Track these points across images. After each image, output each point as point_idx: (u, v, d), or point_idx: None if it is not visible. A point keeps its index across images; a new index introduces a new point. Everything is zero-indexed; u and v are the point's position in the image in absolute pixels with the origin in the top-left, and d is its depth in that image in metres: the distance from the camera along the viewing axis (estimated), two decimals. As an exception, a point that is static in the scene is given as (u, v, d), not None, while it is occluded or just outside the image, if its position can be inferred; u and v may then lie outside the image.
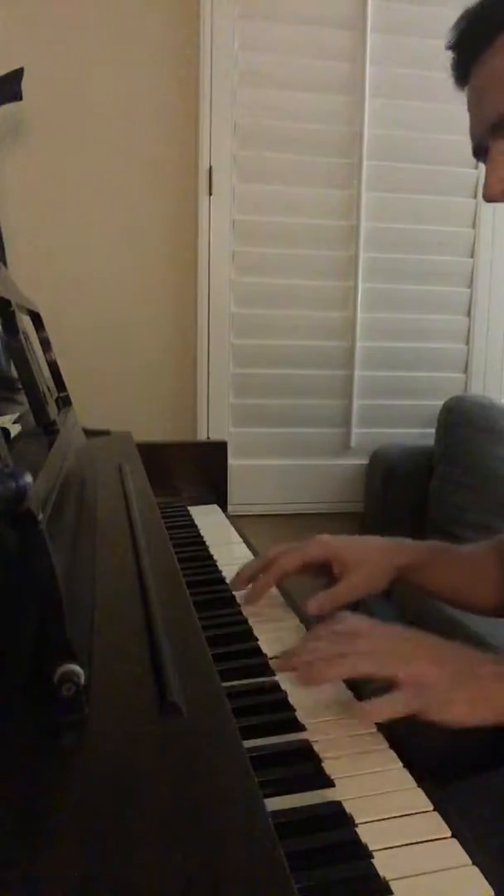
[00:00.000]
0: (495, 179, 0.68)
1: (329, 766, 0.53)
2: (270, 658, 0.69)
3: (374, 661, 0.58)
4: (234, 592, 0.86)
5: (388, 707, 0.56)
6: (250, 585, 0.85)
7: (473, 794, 0.64)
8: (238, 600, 0.84)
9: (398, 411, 1.94)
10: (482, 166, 0.73)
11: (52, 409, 0.88)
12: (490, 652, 0.63)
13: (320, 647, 0.61)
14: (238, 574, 0.87)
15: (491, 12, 0.67)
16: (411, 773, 0.53)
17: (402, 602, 1.66)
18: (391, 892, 0.42)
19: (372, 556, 0.85)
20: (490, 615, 0.92)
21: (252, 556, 0.99)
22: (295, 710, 0.60)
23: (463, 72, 0.71)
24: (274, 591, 0.86)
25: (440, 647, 0.61)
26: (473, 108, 0.71)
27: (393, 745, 0.56)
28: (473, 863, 0.44)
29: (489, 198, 0.70)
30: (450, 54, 0.72)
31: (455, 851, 0.45)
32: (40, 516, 0.39)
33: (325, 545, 0.84)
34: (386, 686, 0.58)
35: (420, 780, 0.52)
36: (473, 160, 0.75)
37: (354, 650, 0.59)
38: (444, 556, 0.89)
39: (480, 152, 0.72)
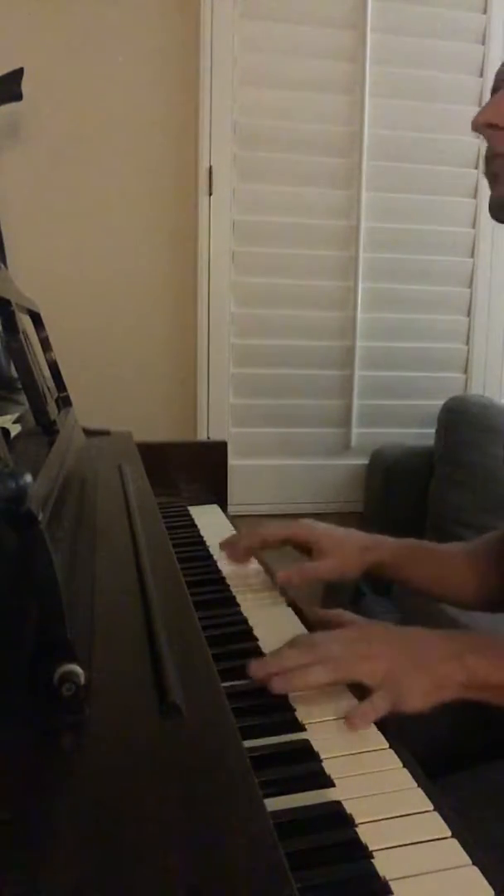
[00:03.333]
0: (487, 112, 0.69)
1: (329, 766, 0.53)
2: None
3: (331, 670, 0.60)
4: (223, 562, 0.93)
5: (368, 710, 0.58)
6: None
7: (469, 785, 0.65)
8: (232, 586, 0.88)
9: (398, 411, 1.94)
10: (482, 166, 0.74)
11: (52, 409, 0.88)
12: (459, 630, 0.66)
13: (289, 658, 0.62)
14: (228, 541, 0.95)
15: None
16: (411, 771, 0.53)
17: (402, 601, 1.66)
18: (391, 892, 0.42)
19: (347, 547, 0.90)
20: (465, 608, 0.97)
21: (253, 557, 1.00)
22: (295, 710, 0.60)
23: None
24: (269, 583, 0.90)
25: (392, 641, 0.64)
26: None
27: (391, 742, 0.56)
28: (473, 863, 0.44)
29: (474, 125, 0.71)
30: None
31: (455, 851, 0.45)
32: (40, 516, 0.39)
33: (307, 527, 0.91)
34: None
35: (420, 779, 0.52)
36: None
37: (315, 660, 0.61)
38: (418, 555, 0.93)
39: (497, 89, 0.71)
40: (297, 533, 0.91)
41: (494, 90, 0.72)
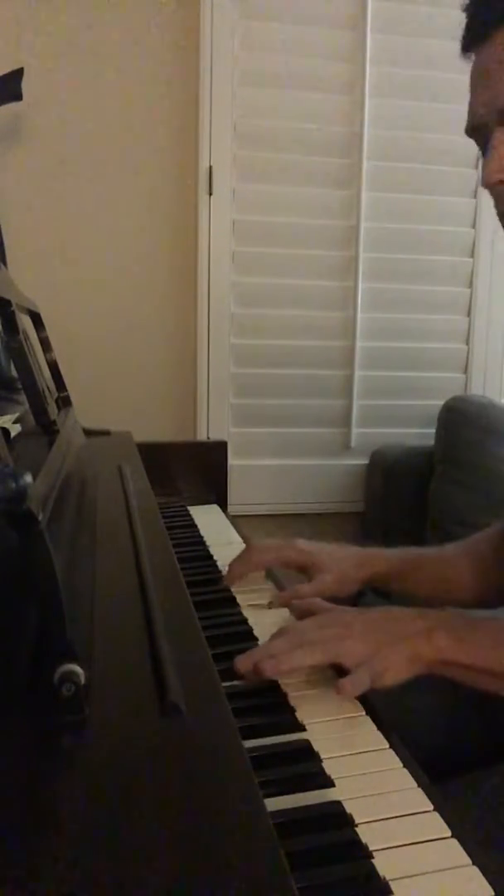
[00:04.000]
0: (495, 168, 0.65)
1: (329, 766, 0.53)
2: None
3: (313, 651, 0.63)
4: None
5: (353, 685, 0.60)
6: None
7: (471, 789, 0.65)
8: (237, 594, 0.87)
9: (398, 411, 1.94)
10: (481, 165, 0.70)
11: (52, 409, 0.88)
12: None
13: (275, 645, 0.64)
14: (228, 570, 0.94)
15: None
16: (411, 771, 0.53)
17: (401, 601, 1.66)
18: (391, 892, 0.42)
19: (343, 564, 0.89)
20: (470, 608, 0.95)
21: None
22: (295, 710, 0.60)
23: (473, 40, 0.66)
24: (268, 584, 0.91)
25: (369, 620, 0.66)
26: (481, 83, 0.66)
27: (390, 742, 0.56)
28: (473, 863, 0.44)
29: (487, 185, 0.67)
30: (462, 17, 0.66)
31: (455, 851, 0.45)
32: (40, 516, 0.39)
33: (300, 551, 0.90)
34: None
35: (420, 779, 0.52)
36: (474, 160, 0.74)
37: (297, 645, 0.63)
38: (415, 564, 0.93)
39: (477, 132, 0.68)
40: (287, 555, 0.90)
41: (474, 130, 0.68)
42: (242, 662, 0.63)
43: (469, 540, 0.96)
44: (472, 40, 0.65)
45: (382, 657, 0.61)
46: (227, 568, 0.93)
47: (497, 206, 0.69)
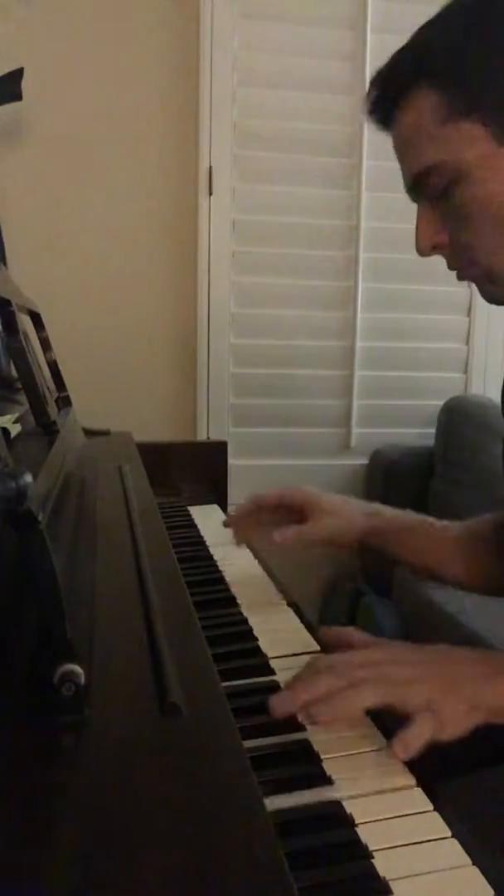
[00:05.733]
0: (421, 241, 0.70)
1: (329, 766, 0.53)
2: (271, 657, 0.69)
3: (377, 691, 0.56)
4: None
5: (418, 736, 0.54)
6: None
7: (471, 791, 0.64)
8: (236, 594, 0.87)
9: (398, 411, 1.94)
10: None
11: (52, 409, 0.88)
12: (481, 647, 0.63)
13: (321, 683, 0.57)
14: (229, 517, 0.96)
15: (409, 62, 0.65)
16: (411, 771, 0.53)
17: (402, 601, 1.66)
18: (391, 892, 0.42)
19: (346, 510, 0.89)
20: (461, 588, 0.96)
21: (252, 556, 1.00)
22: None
23: (384, 121, 0.70)
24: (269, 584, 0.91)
25: (425, 663, 0.59)
26: (398, 158, 0.72)
27: (385, 733, 0.56)
28: (473, 863, 0.44)
29: (420, 254, 0.71)
30: (372, 113, 0.70)
31: (455, 851, 0.45)
32: (40, 516, 0.39)
33: (304, 491, 0.91)
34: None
35: (420, 779, 0.52)
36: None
37: (357, 680, 0.56)
38: (417, 527, 0.93)
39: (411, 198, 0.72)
40: (293, 496, 0.91)
41: (413, 195, 0.71)
42: (282, 704, 0.56)
43: (472, 521, 0.96)
44: (382, 121, 0.70)
45: (447, 708, 0.55)
46: (229, 522, 0.96)
47: (449, 265, 0.73)
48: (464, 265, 0.71)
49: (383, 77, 0.67)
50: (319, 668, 0.59)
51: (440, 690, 0.56)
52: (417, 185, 0.68)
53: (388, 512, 0.92)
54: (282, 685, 0.63)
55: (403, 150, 0.69)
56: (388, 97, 0.67)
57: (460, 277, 0.73)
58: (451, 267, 0.72)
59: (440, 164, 0.65)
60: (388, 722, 0.59)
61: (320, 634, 0.73)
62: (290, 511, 0.92)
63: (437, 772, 0.54)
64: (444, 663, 0.60)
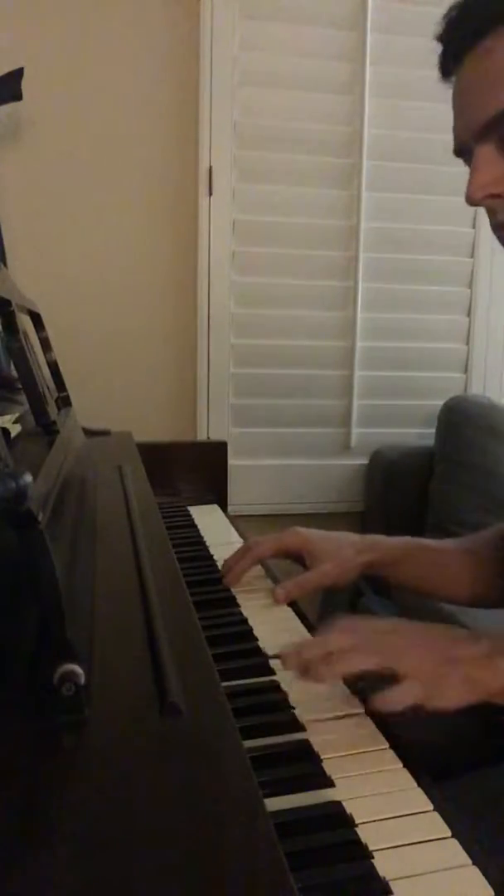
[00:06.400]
0: (477, 185, 0.65)
1: (329, 766, 0.53)
2: (270, 657, 0.69)
3: (369, 657, 0.59)
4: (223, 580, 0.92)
5: (400, 697, 0.57)
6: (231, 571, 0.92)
7: (471, 790, 0.65)
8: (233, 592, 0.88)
9: (398, 411, 1.94)
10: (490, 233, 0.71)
11: (52, 409, 0.88)
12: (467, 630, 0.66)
13: (329, 641, 0.61)
14: (223, 564, 0.94)
15: (485, 5, 0.64)
16: (411, 771, 0.53)
17: (402, 601, 1.66)
18: (391, 892, 0.42)
19: (343, 550, 0.89)
20: (464, 605, 0.96)
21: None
22: (295, 710, 0.60)
23: (449, 66, 0.68)
24: (269, 584, 0.91)
25: (426, 635, 0.63)
26: (459, 105, 0.68)
27: (391, 742, 0.56)
28: (473, 863, 0.44)
29: (470, 202, 0.67)
30: (437, 46, 0.68)
31: (455, 851, 0.45)
32: (40, 516, 0.39)
33: (299, 536, 0.90)
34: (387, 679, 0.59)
35: (420, 779, 0.52)
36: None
37: (350, 647, 0.60)
38: (415, 553, 0.92)
39: (463, 152, 0.69)
40: (288, 544, 0.90)
41: (462, 151, 0.69)
42: (293, 659, 0.60)
43: (470, 537, 0.96)
44: (447, 66, 0.68)
45: (441, 676, 0.58)
46: (223, 565, 0.93)
47: (491, 219, 0.69)
48: None
49: (456, 22, 0.66)
50: (332, 627, 0.62)
51: (438, 663, 0.59)
52: (489, 129, 0.64)
53: (384, 543, 0.91)
54: (282, 685, 0.64)
55: (475, 93, 0.65)
56: (461, 41, 0.65)
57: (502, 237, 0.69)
58: (500, 222, 0.68)
59: None
60: (389, 722, 0.59)
61: (308, 612, 0.78)
62: (286, 554, 0.92)
63: (437, 772, 0.54)
64: (447, 640, 0.62)
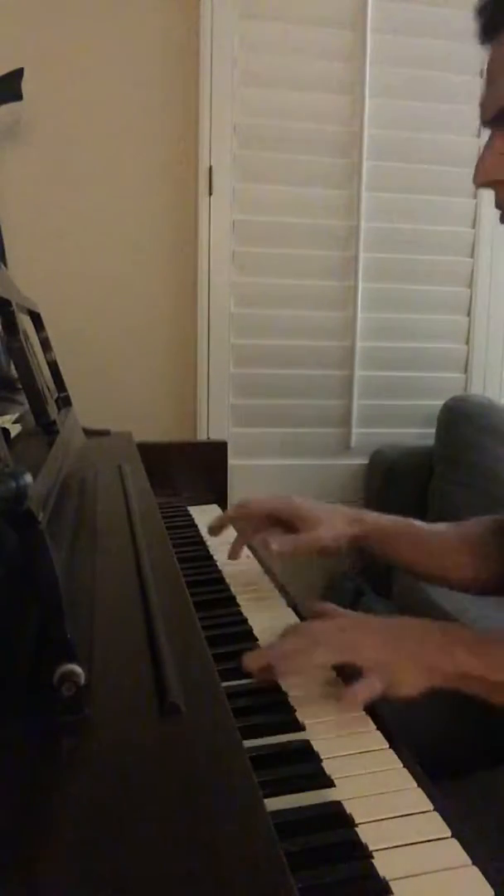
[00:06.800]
0: (482, 170, 0.67)
1: (329, 766, 0.53)
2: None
3: (328, 652, 0.62)
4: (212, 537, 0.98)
5: (362, 691, 0.60)
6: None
7: (471, 790, 0.65)
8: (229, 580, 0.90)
9: (398, 411, 1.94)
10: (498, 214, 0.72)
11: (52, 409, 0.88)
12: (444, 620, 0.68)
13: (287, 643, 0.64)
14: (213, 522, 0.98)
15: None
16: (411, 771, 0.53)
17: (402, 600, 1.66)
18: (391, 892, 0.42)
19: (334, 519, 0.90)
20: (455, 589, 0.96)
21: (252, 556, 1.00)
22: (295, 710, 0.60)
23: (485, 35, 0.67)
24: (269, 582, 0.92)
25: (386, 629, 0.66)
26: (487, 79, 0.68)
27: (391, 742, 0.56)
28: (473, 863, 0.44)
29: (476, 183, 0.69)
30: (476, 16, 0.67)
31: (455, 851, 0.45)
32: (40, 516, 0.39)
33: (290, 502, 0.92)
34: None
35: (420, 779, 0.52)
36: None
37: (313, 643, 0.63)
38: (407, 531, 0.93)
39: (486, 124, 0.69)
40: (280, 507, 0.92)
41: (484, 123, 0.69)
42: (253, 660, 0.63)
43: (465, 523, 0.96)
44: (484, 34, 0.67)
45: (400, 667, 0.61)
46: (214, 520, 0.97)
47: (496, 197, 0.70)
48: None
49: None
50: (287, 632, 0.66)
51: (394, 653, 0.62)
52: (500, 118, 0.66)
53: (371, 517, 0.93)
54: (282, 686, 0.63)
55: (499, 75, 0.66)
56: (500, 15, 0.65)
57: None
58: (499, 205, 0.70)
59: None
60: (388, 722, 0.59)
61: (303, 609, 0.79)
62: (278, 521, 0.93)
63: (437, 772, 0.54)
64: (402, 630, 0.66)
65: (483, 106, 0.69)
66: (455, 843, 0.46)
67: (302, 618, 0.82)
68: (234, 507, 0.97)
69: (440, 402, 1.85)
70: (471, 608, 1.44)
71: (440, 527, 0.96)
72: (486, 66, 0.69)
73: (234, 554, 0.95)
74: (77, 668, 0.38)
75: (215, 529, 1.00)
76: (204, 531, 1.12)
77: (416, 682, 0.61)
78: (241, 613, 0.80)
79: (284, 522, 0.92)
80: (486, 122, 0.69)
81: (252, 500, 0.94)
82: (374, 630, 0.65)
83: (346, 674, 0.64)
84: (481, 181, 0.68)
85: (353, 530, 0.91)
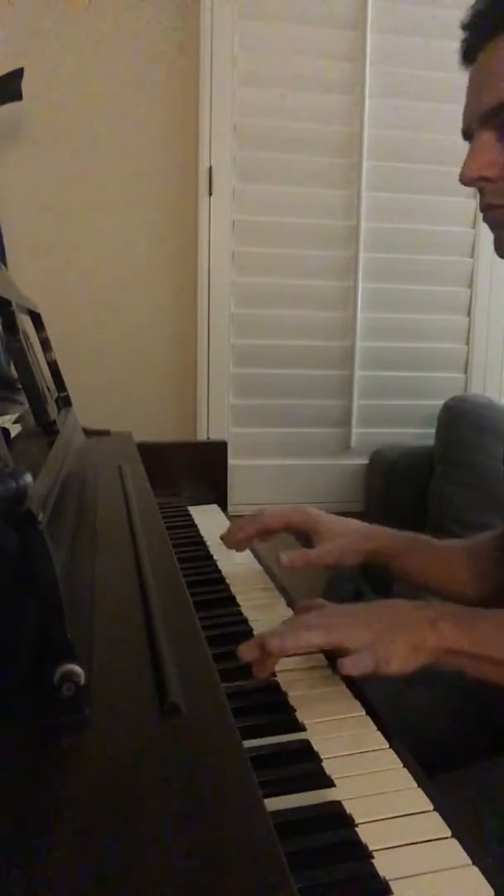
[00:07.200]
0: (471, 167, 0.70)
1: (329, 766, 0.53)
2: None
3: (317, 634, 0.63)
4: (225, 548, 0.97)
5: (354, 662, 0.61)
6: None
7: (470, 784, 0.65)
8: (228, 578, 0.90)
9: (398, 411, 1.94)
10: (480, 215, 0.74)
11: (52, 409, 0.88)
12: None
13: (275, 630, 0.65)
14: (228, 531, 0.98)
15: (498, 8, 0.67)
16: (411, 771, 0.53)
17: (403, 594, 1.66)
18: (391, 892, 0.42)
19: (347, 535, 0.91)
20: (471, 604, 0.95)
21: (252, 557, 1.00)
22: (295, 710, 0.60)
23: (471, 53, 0.71)
24: (269, 582, 0.92)
25: (372, 611, 0.67)
26: (470, 91, 0.72)
27: (391, 742, 0.56)
28: (473, 863, 0.44)
29: (462, 181, 0.71)
30: (461, 34, 0.71)
31: (455, 851, 0.45)
32: (40, 516, 0.39)
33: (307, 514, 0.93)
34: None
35: (419, 778, 0.52)
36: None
37: (302, 627, 0.64)
38: (419, 548, 0.93)
39: (468, 135, 0.72)
40: (297, 519, 0.93)
41: (467, 134, 0.72)
42: (247, 650, 0.63)
43: (473, 538, 0.97)
44: (468, 53, 0.71)
45: (387, 643, 0.62)
46: (228, 528, 0.96)
47: (480, 199, 0.72)
48: (501, 205, 0.71)
49: (479, 13, 0.69)
50: (278, 623, 0.67)
51: (381, 633, 0.63)
52: (490, 117, 0.68)
53: (388, 533, 0.93)
54: (282, 686, 0.64)
55: (485, 82, 0.69)
56: (481, 31, 0.69)
57: (490, 219, 0.73)
58: (488, 203, 0.72)
59: None
60: (388, 721, 0.59)
61: (295, 609, 0.80)
62: (293, 531, 0.94)
63: (435, 764, 0.55)
64: (388, 610, 0.67)
65: (467, 115, 0.71)
66: (455, 843, 0.46)
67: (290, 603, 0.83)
68: (248, 520, 0.95)
69: (440, 402, 1.85)
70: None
71: (453, 543, 0.97)
72: (470, 79, 0.71)
73: (236, 544, 0.96)
74: (77, 668, 0.38)
75: (231, 544, 0.97)
76: (204, 531, 1.12)
77: (405, 657, 0.62)
78: (241, 613, 0.80)
79: (297, 532, 0.93)
80: (470, 129, 0.71)
81: (267, 513, 0.94)
82: (359, 613, 0.67)
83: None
84: (471, 175, 0.70)
85: (369, 546, 0.90)
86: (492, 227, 0.73)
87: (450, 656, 0.63)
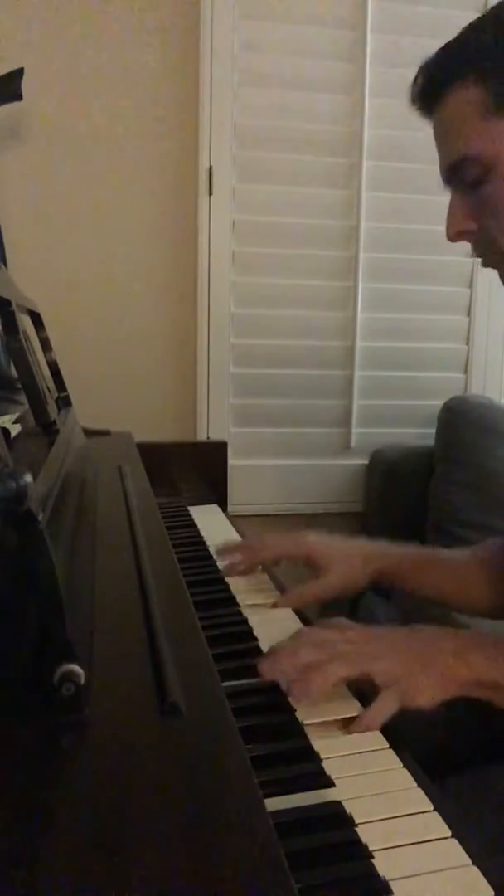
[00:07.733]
0: (450, 226, 0.73)
1: (329, 766, 0.53)
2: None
3: (344, 667, 0.61)
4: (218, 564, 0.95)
5: (379, 712, 0.59)
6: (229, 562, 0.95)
7: (471, 788, 0.65)
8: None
9: (398, 411, 1.94)
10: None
11: (52, 409, 0.88)
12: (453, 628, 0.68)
13: (302, 653, 0.62)
14: (224, 547, 0.96)
15: (448, 60, 0.68)
16: (411, 771, 0.53)
17: (402, 604, 1.66)
18: (391, 892, 0.42)
19: (351, 559, 0.88)
20: (478, 616, 0.94)
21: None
22: (295, 711, 0.60)
23: (426, 110, 0.73)
24: (268, 582, 0.91)
25: (400, 640, 0.65)
26: (437, 145, 0.74)
27: (391, 742, 0.56)
28: (473, 863, 0.44)
29: (449, 239, 0.74)
30: (419, 80, 0.72)
31: (455, 851, 0.45)
32: (40, 516, 0.39)
33: (305, 546, 0.90)
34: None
35: (419, 779, 0.52)
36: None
37: (334, 655, 0.62)
38: (426, 562, 0.92)
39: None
40: (293, 553, 0.91)
41: (448, 182, 0.73)
42: (269, 671, 0.61)
43: (481, 546, 0.95)
44: (425, 109, 0.72)
45: (415, 678, 0.60)
46: (222, 548, 0.95)
47: (472, 251, 0.75)
48: (488, 253, 0.73)
49: (431, 67, 0.69)
50: (303, 640, 0.65)
51: (409, 663, 0.61)
52: (452, 174, 0.71)
53: (394, 550, 0.91)
54: (282, 686, 0.63)
55: (443, 138, 0.71)
56: (433, 86, 0.69)
57: (484, 264, 0.75)
58: (476, 253, 0.74)
59: (475, 157, 0.68)
60: (388, 721, 0.59)
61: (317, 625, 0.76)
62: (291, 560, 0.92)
63: (436, 768, 0.55)
64: (416, 640, 0.64)
65: (439, 167, 0.74)
66: (455, 843, 0.46)
67: (302, 618, 0.82)
68: (243, 547, 0.94)
69: (440, 402, 1.85)
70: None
71: (461, 554, 0.95)
72: (435, 131, 0.73)
73: (231, 571, 0.93)
74: (77, 668, 0.38)
75: (232, 573, 0.94)
76: (204, 531, 1.12)
77: (432, 692, 0.60)
78: (241, 613, 0.80)
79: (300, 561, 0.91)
80: (444, 182, 0.74)
81: (265, 542, 0.92)
82: (386, 641, 0.64)
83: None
84: (452, 235, 0.74)
85: (372, 567, 0.88)
86: (493, 268, 0.75)
87: (478, 688, 0.61)
